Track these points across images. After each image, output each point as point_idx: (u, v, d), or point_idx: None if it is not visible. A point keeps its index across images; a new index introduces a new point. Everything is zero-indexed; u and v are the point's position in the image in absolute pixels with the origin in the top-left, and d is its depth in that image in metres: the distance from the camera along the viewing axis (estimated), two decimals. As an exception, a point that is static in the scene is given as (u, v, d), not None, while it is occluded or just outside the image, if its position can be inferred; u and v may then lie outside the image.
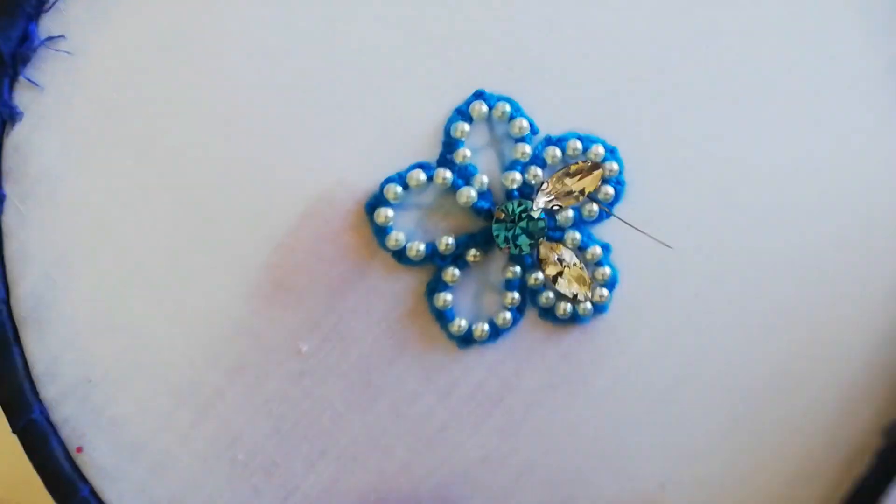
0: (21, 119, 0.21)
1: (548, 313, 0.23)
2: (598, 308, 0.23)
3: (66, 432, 0.22)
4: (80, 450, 0.23)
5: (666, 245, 0.22)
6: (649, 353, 0.24)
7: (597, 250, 0.23)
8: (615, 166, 0.22)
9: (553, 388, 0.24)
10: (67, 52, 0.21)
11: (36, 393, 0.22)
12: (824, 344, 0.25)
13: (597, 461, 0.24)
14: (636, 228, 0.22)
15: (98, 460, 0.23)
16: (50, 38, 0.21)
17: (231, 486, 0.23)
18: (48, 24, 0.21)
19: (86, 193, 0.22)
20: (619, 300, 0.23)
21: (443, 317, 0.23)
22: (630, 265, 0.23)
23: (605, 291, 0.23)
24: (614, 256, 0.23)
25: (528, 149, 0.22)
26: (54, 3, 0.21)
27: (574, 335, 0.23)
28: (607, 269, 0.23)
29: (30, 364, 0.22)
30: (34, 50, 0.21)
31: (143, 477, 0.23)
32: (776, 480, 0.25)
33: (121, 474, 0.23)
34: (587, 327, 0.23)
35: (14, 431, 0.22)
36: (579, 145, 0.22)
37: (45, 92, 0.21)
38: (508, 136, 0.22)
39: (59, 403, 0.22)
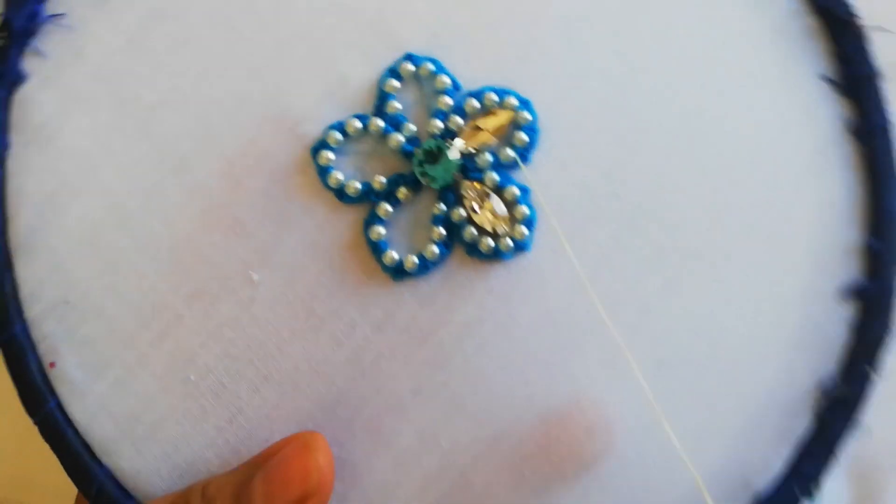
0: (26, 81, 0.26)
1: (473, 249, 0.25)
2: (520, 245, 0.25)
3: (42, 348, 0.25)
4: (53, 365, 0.25)
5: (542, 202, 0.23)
6: (570, 291, 0.26)
7: (514, 190, 0.25)
8: (528, 116, 0.25)
9: (481, 322, 0.26)
10: (67, 26, 0.26)
11: (21, 313, 0.25)
12: (750, 291, 0.26)
13: (523, 399, 0.25)
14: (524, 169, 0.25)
15: (68, 375, 0.25)
16: (54, 15, 0.26)
17: (183, 404, 0.25)
18: (53, 4, 0.26)
19: (75, 142, 0.26)
20: (541, 240, 0.26)
21: (377, 248, 0.25)
22: (551, 208, 0.26)
23: (524, 229, 0.25)
24: (535, 199, 0.26)
25: (449, 100, 0.25)
26: (62, -13, 0.26)
27: (500, 272, 0.26)
28: (525, 209, 0.25)
29: (18, 287, 0.26)
30: (40, 25, 0.26)
31: (106, 393, 0.25)
32: (715, 442, 0.26)
33: (86, 389, 0.25)
34: (512, 265, 0.26)
35: (-2, 346, 0.25)
36: (495, 97, 0.25)
37: (48, 58, 0.26)
38: (434, 91, 0.26)
39: (39, 322, 0.25)
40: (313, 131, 0.26)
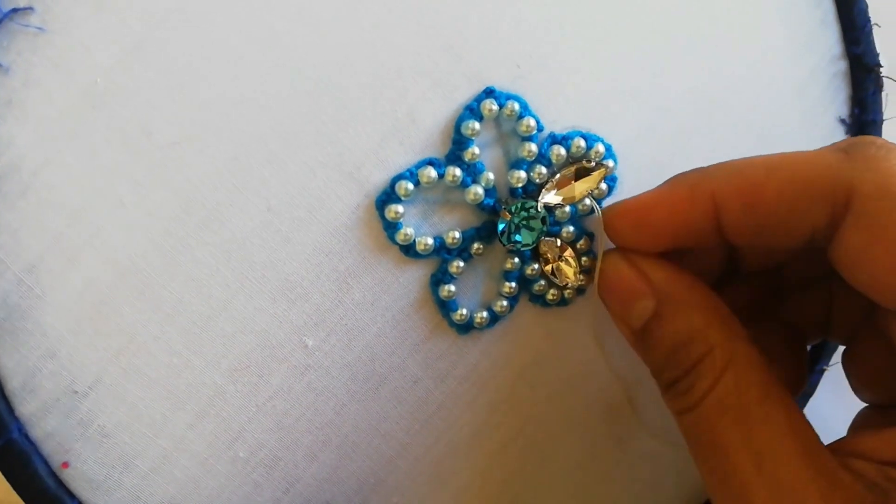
0: (-21, 104, 0.18)
1: (538, 298, 0.24)
2: (579, 290, 0.25)
3: (49, 448, 0.21)
4: (66, 465, 0.21)
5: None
6: (612, 328, 0.26)
7: (585, 241, 0.24)
8: (611, 164, 0.24)
9: (537, 364, 0.25)
10: (39, 28, 0.18)
11: (12, 410, 0.20)
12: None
13: (566, 426, 0.27)
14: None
15: (87, 473, 0.21)
16: (15, 10, 0.18)
17: (231, 483, 0.23)
18: (12, -8, 0.18)
19: (66, 190, 0.19)
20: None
21: (446, 307, 0.23)
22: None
23: (587, 276, 0.25)
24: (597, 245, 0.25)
25: (534, 147, 0.23)
26: (19, -32, 0.18)
27: (557, 315, 0.25)
28: (592, 258, 0.25)
29: (3, 379, 0.20)
30: (-5, 22, 0.18)
31: (138, 485, 0.22)
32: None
33: (113, 485, 0.22)
34: (570, 308, 0.25)
35: (-12, 453, 0.20)
36: (583, 143, 0.23)
37: (12, 73, 0.18)
38: (515, 132, 0.23)
39: (39, 419, 0.20)
40: (376, 177, 0.22)
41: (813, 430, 0.19)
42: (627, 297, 0.22)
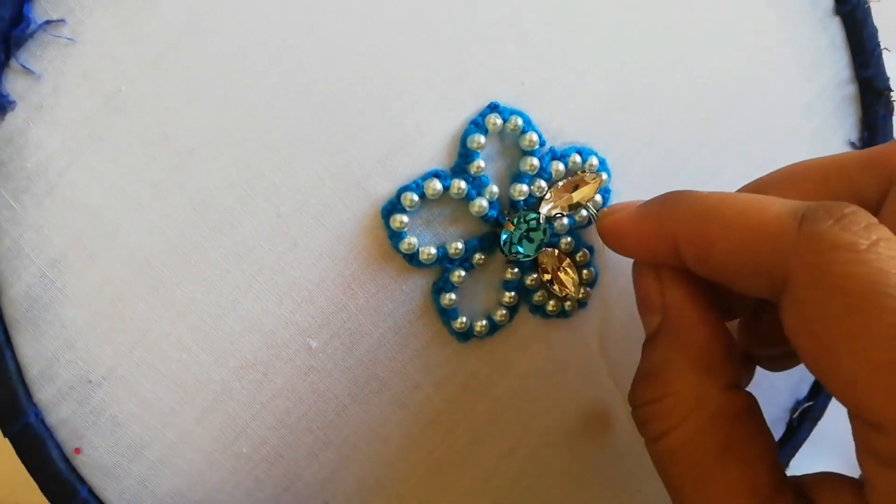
0: (13, 108, 0.20)
1: (538, 309, 0.25)
2: (580, 303, 0.25)
3: (63, 434, 0.22)
4: (78, 451, 0.22)
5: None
6: (619, 341, 0.27)
7: (585, 252, 0.25)
8: (605, 176, 0.24)
9: (538, 375, 0.26)
10: (69, 39, 0.20)
11: (30, 396, 0.21)
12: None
13: (566, 439, 0.27)
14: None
15: (98, 460, 0.22)
16: (48, 22, 0.19)
17: (234, 477, 0.24)
18: (45, 6, 0.19)
19: (89, 190, 0.21)
20: (596, 295, 0.26)
21: (447, 314, 0.24)
22: (607, 264, 0.26)
23: (588, 290, 0.25)
24: (598, 259, 0.25)
25: (536, 162, 0.23)
26: (53, -17, 0.19)
27: (558, 328, 0.26)
28: (592, 270, 0.25)
29: (23, 367, 0.21)
30: (29, 34, 0.19)
31: (145, 474, 0.23)
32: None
33: (122, 473, 0.22)
34: (571, 320, 0.26)
35: (6, 436, 0.21)
36: (579, 159, 0.24)
37: (43, 80, 0.20)
38: (517, 146, 0.24)
39: (55, 406, 0.22)
40: (382, 188, 0.23)
41: (772, 488, 0.19)
42: (644, 304, 0.22)
